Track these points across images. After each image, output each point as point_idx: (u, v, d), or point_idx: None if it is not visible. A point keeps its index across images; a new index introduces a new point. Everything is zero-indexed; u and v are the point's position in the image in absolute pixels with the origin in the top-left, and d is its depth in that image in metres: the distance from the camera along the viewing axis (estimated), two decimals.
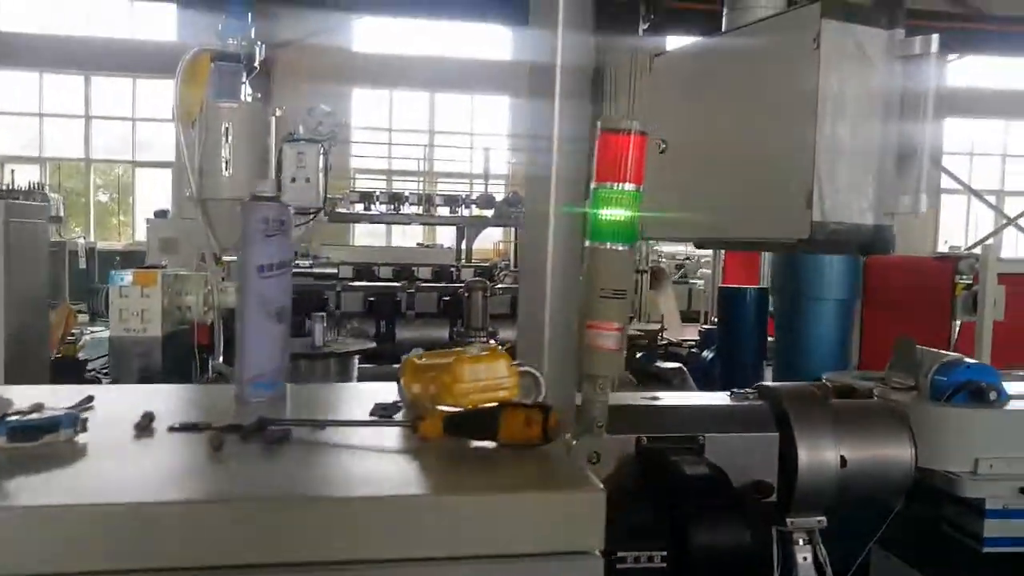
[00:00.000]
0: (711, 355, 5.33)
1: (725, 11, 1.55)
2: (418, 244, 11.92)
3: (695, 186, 1.62)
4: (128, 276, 4.64)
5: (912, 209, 1.38)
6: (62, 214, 11.13)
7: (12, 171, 11.17)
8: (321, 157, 4.69)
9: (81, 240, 11.81)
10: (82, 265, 10.89)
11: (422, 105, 16.49)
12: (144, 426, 1.08)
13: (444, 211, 11.13)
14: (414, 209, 11.16)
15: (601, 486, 0.86)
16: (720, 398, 1.67)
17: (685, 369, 4.64)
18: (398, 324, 5.07)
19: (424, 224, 11.57)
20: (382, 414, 1.10)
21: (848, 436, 1.59)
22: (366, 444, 1.04)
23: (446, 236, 12.27)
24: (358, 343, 2.33)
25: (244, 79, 4.51)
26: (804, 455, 1.54)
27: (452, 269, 8.05)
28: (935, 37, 1.30)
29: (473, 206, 10.38)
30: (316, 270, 8.12)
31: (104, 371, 5.55)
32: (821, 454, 1.55)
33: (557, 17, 1.04)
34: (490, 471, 0.96)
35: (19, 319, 4.08)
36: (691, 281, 11.84)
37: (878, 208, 1.39)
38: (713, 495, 1.28)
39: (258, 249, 1.20)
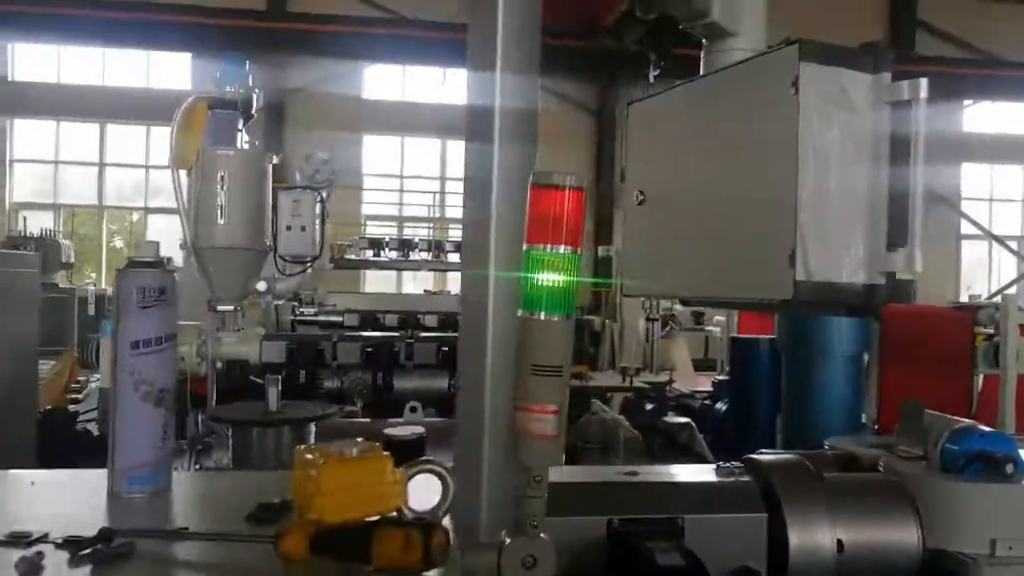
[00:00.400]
0: (724, 407, 5.15)
1: (702, 54, 1.45)
2: (425, 291, 11.84)
3: (673, 241, 1.50)
4: None
5: (906, 267, 1.24)
6: (72, 260, 11.19)
7: (24, 217, 11.30)
8: (318, 205, 4.63)
9: (91, 287, 11.85)
10: (91, 312, 10.89)
11: (433, 152, 16.58)
12: None
13: (455, 257, 11.07)
14: (424, 255, 11.13)
15: None
16: (704, 473, 1.52)
17: (694, 425, 4.45)
18: (396, 375, 4.93)
19: (433, 270, 11.52)
20: (261, 516, 0.96)
21: (845, 516, 1.42)
22: (221, 561, 0.89)
23: (457, 283, 12.19)
24: (317, 407, 2.19)
25: (242, 126, 4.48)
26: (795, 539, 1.38)
27: (459, 317, 7.91)
28: (923, 81, 1.18)
29: None
30: (321, 318, 8.07)
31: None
32: (814, 537, 1.39)
33: (495, 58, 0.94)
34: None
35: (5, 369, 4.00)
36: (707, 329, 11.63)
37: (869, 266, 1.26)
38: None
39: (132, 322, 1.07)
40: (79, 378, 7.59)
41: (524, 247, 0.83)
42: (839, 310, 1.35)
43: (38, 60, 14.90)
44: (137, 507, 0.99)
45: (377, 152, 15.99)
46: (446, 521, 0.90)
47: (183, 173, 4.33)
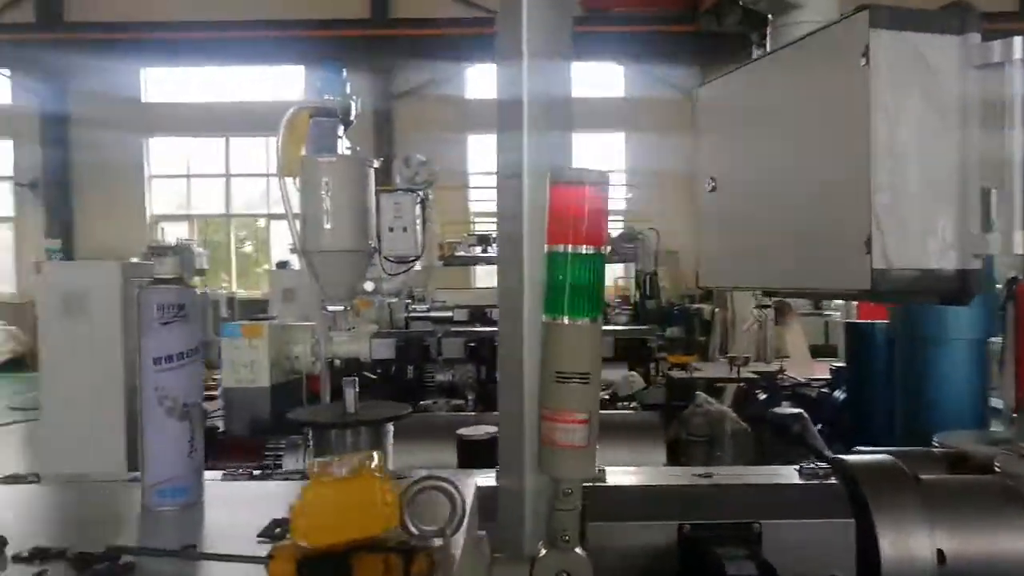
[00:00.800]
0: (843, 395, 4.87)
1: (768, 30, 1.35)
2: None
3: (747, 228, 1.42)
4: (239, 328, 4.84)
5: (1004, 250, 1.12)
6: (206, 266, 11.95)
7: (163, 228, 12.18)
8: (418, 206, 4.70)
9: (222, 291, 12.62)
10: (224, 314, 11.57)
11: None
12: None
13: None
14: None
15: None
16: (786, 475, 1.43)
17: (806, 415, 4.22)
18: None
19: None
20: (273, 535, 0.96)
21: (946, 523, 1.30)
22: None
23: None
24: (393, 408, 2.22)
25: (342, 133, 4.61)
26: (888, 548, 1.27)
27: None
28: (1018, 40, 1.06)
29: None
30: (432, 314, 8.26)
31: None
32: (910, 547, 1.28)
33: (522, 47, 0.90)
34: None
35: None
36: (826, 313, 11.06)
37: (962, 249, 1.14)
38: None
39: (152, 339, 1.09)
40: (216, 376, 8.04)
41: (545, 248, 0.79)
42: (931, 298, 1.23)
43: (168, 81, 16.03)
44: (164, 521, 1.01)
45: (482, 150, 16.17)
46: (459, 539, 0.87)
47: (290, 181, 4.51)
